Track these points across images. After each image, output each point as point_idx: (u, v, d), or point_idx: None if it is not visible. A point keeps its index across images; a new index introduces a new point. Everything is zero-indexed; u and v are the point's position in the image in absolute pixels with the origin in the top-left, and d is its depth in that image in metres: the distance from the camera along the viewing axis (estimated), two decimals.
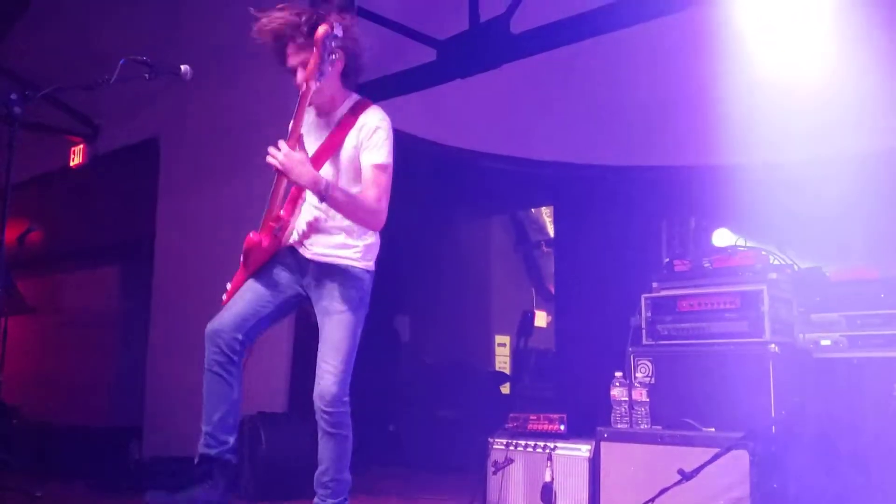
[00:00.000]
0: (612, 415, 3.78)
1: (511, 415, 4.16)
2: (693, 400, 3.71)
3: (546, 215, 7.60)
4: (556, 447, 3.84)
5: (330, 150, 2.94)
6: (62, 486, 5.14)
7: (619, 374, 3.82)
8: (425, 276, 6.06)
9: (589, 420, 3.91)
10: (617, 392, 3.80)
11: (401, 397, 6.05)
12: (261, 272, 2.98)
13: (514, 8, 4.81)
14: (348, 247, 2.95)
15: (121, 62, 3.04)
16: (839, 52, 4.11)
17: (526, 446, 3.91)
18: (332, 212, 2.90)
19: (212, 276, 5.57)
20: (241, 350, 2.96)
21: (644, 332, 4.00)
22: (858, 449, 3.83)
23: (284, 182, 2.85)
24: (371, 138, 2.90)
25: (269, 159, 2.79)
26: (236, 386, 2.96)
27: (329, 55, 2.81)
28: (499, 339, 7.06)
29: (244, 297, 2.98)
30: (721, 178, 5.18)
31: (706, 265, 3.95)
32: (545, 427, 3.94)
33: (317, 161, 2.91)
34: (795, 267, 4.16)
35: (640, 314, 4.03)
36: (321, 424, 2.92)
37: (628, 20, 4.34)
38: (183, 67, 3.20)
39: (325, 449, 2.95)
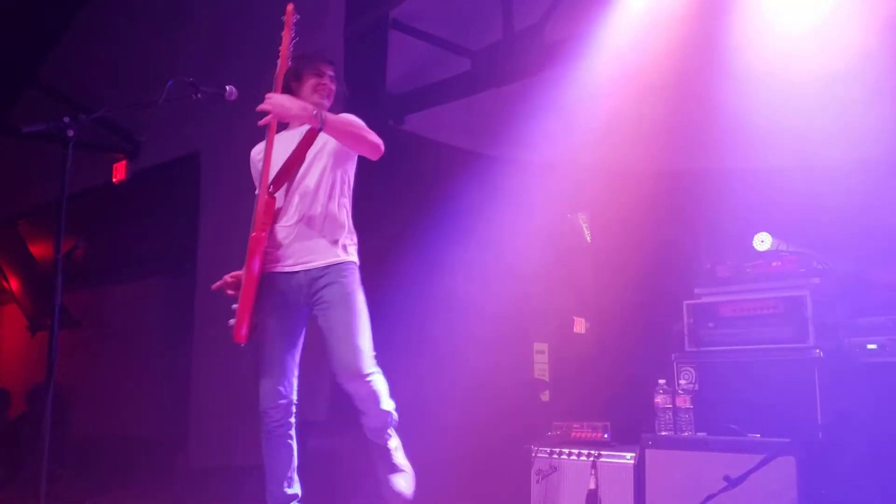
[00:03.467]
0: (657, 422, 3.78)
1: (554, 423, 4.17)
2: (737, 406, 3.70)
3: (582, 220, 7.58)
4: (600, 455, 3.84)
5: (307, 147, 3.15)
6: (110, 498, 5.23)
7: (662, 381, 3.82)
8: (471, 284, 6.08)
9: (632, 428, 3.91)
10: (661, 399, 3.80)
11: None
12: (271, 321, 3.16)
13: (549, 17, 4.83)
14: (329, 249, 3.12)
15: (168, 84, 3.11)
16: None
17: (570, 454, 3.92)
18: (308, 223, 3.11)
19: None
20: (292, 407, 3.24)
21: (686, 338, 4.00)
22: None
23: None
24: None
25: (263, 106, 3.07)
26: (295, 438, 3.25)
27: None
28: (537, 346, 7.05)
29: (274, 360, 3.19)
30: (761, 181, 5.15)
31: (748, 270, 3.94)
32: (589, 435, 3.95)
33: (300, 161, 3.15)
34: (839, 271, 4.12)
35: (682, 320, 4.02)
36: (360, 391, 3.09)
37: None
38: (228, 88, 3.26)
39: (368, 400, 3.10)
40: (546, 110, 5.16)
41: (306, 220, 3.12)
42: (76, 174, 3.04)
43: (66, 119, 2.99)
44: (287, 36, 3.30)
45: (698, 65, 4.33)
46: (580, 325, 6.54)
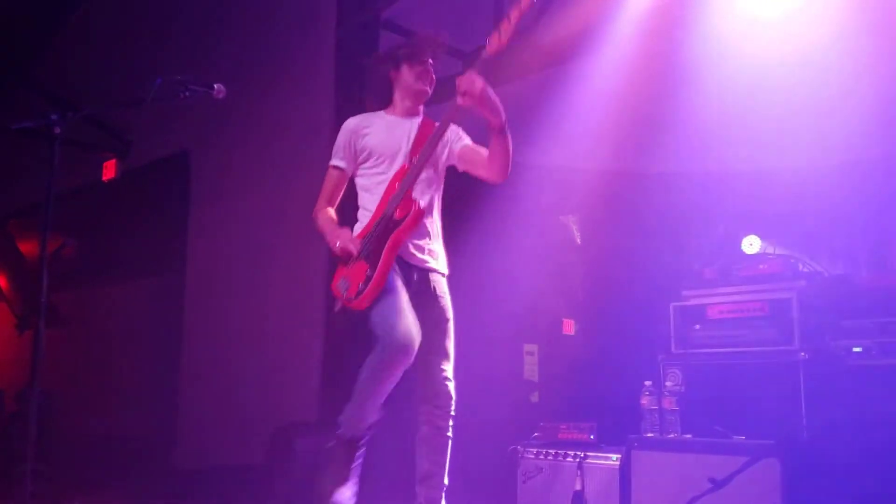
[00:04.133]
0: (643, 423, 3.79)
1: (540, 424, 4.17)
2: (723, 408, 3.71)
3: (572, 223, 7.59)
4: (586, 456, 3.84)
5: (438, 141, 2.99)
6: (97, 497, 5.21)
7: (648, 382, 3.83)
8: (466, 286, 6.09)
9: (619, 429, 3.92)
10: (647, 400, 3.81)
11: None
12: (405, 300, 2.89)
13: (540, 18, 4.84)
14: (437, 254, 3.06)
15: (157, 82, 3.09)
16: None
17: (556, 455, 3.92)
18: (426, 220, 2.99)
19: (242, 287, 5.69)
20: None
21: (673, 340, 4.01)
22: (893, 458, 3.79)
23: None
24: (457, 131, 3.10)
25: (466, 85, 2.72)
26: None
27: None
28: (527, 347, 7.06)
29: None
30: (750, 184, 5.17)
31: (735, 273, 3.95)
32: (575, 436, 3.95)
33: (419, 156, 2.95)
34: (825, 274, 4.14)
35: (669, 322, 4.03)
36: (441, 428, 2.97)
37: None
38: (216, 86, 3.24)
39: (438, 451, 2.99)
40: (537, 113, 5.17)
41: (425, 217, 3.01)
42: (66, 173, 3.02)
43: (54, 116, 2.97)
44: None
45: (685, 69, 4.35)
46: (569, 327, 6.55)
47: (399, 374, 2.79)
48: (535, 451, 4.01)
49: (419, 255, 2.98)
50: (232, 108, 4.87)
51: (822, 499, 3.46)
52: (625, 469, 3.73)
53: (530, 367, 7.25)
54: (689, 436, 3.69)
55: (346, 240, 2.91)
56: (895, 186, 5.01)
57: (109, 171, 7.30)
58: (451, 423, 2.99)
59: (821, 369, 3.69)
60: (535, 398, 6.60)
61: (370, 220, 2.98)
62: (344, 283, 2.91)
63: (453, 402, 2.99)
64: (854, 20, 3.92)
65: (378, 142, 3.06)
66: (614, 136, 5.08)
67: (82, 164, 7.13)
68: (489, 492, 4.50)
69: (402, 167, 2.98)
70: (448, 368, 3.00)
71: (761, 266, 3.90)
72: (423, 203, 2.94)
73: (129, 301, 7.18)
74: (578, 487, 3.82)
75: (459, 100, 2.76)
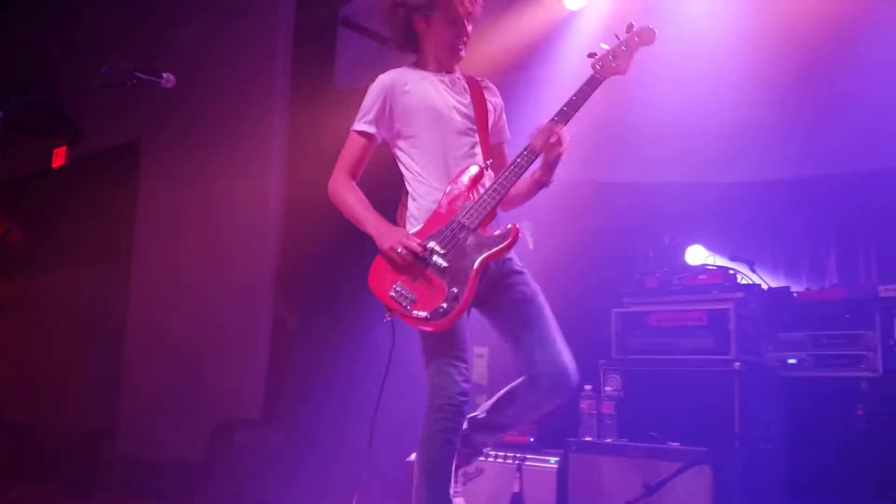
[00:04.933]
0: (581, 427, 3.84)
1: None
2: (660, 414, 3.77)
3: (526, 228, 7.64)
4: (525, 458, 3.88)
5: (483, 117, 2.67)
6: (35, 488, 5.13)
7: (588, 386, 3.87)
8: None
9: (559, 432, 3.96)
10: (586, 405, 3.86)
11: None
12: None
13: (497, 21, 4.86)
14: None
15: (102, 70, 3.05)
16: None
17: (496, 457, 3.94)
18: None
19: (189, 279, 5.62)
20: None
21: (614, 345, 4.06)
22: (823, 468, 3.89)
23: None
24: (502, 112, 2.79)
25: (557, 138, 2.49)
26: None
27: None
28: (478, 350, 7.09)
29: (461, 356, 2.53)
30: (696, 195, 5.26)
31: (676, 282, 4.02)
32: (515, 438, 3.98)
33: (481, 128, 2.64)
34: (764, 286, 4.24)
35: (610, 328, 4.08)
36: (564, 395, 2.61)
37: None
38: (165, 75, 3.19)
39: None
40: None
41: None
42: (16, 158, 2.96)
43: None
44: None
45: (633, 81, 4.40)
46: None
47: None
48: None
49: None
50: (185, 97, 4.82)
51: None
52: (563, 472, 3.77)
53: (479, 370, 7.29)
54: (625, 440, 3.74)
55: (408, 242, 2.46)
56: (835, 203, 5.15)
57: (59, 158, 7.17)
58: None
59: (755, 379, 3.78)
60: (480, 401, 6.64)
61: (433, 219, 2.54)
62: (406, 294, 2.46)
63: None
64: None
65: (423, 101, 2.59)
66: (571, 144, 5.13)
67: (33, 151, 6.99)
68: None
69: (480, 170, 2.58)
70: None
71: (701, 276, 3.98)
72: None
73: (73, 290, 7.05)
74: (517, 489, 3.85)
75: (540, 144, 2.49)
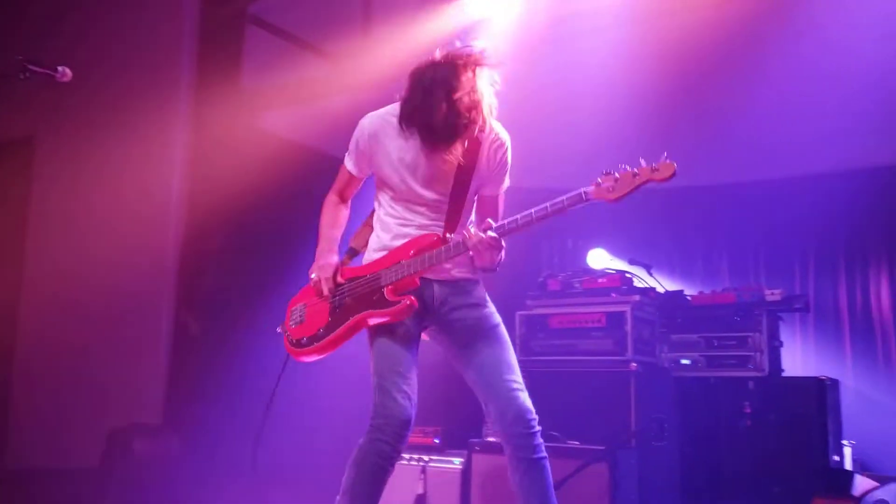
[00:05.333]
0: (484, 428, 3.89)
1: None
2: (563, 414, 3.86)
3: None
4: (430, 460, 3.91)
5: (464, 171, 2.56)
6: None
7: None
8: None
9: (464, 433, 4.01)
10: None
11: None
12: (390, 328, 2.53)
13: (409, 25, 4.89)
14: (463, 262, 2.60)
15: None
16: None
17: (400, 458, 3.94)
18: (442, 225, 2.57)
19: (84, 281, 5.41)
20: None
21: (518, 347, 4.14)
22: (713, 463, 4.08)
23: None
24: (504, 161, 2.61)
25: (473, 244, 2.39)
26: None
27: None
28: None
29: (405, 376, 2.51)
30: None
31: (577, 285, 4.13)
32: (419, 440, 4.00)
33: (452, 181, 2.53)
34: (660, 289, 4.40)
35: (514, 329, 4.16)
36: (525, 455, 2.51)
37: None
38: (61, 69, 3.08)
39: (534, 485, 2.53)
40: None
41: None
42: None
43: None
44: None
45: (537, 86, 4.51)
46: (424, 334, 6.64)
47: None
48: None
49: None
50: (84, 93, 4.67)
51: (648, 501, 3.67)
52: (466, 473, 3.82)
53: None
54: None
55: (324, 278, 2.56)
56: (728, 211, 5.40)
57: None
58: (532, 440, 2.53)
59: (651, 379, 3.92)
60: None
61: (369, 266, 2.58)
62: (299, 314, 2.64)
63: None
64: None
65: (393, 164, 2.54)
66: None
67: None
68: (331, 496, 4.49)
69: (432, 238, 2.50)
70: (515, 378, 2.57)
71: (601, 280, 4.10)
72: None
73: None
74: (421, 491, 3.88)
75: (477, 245, 2.38)
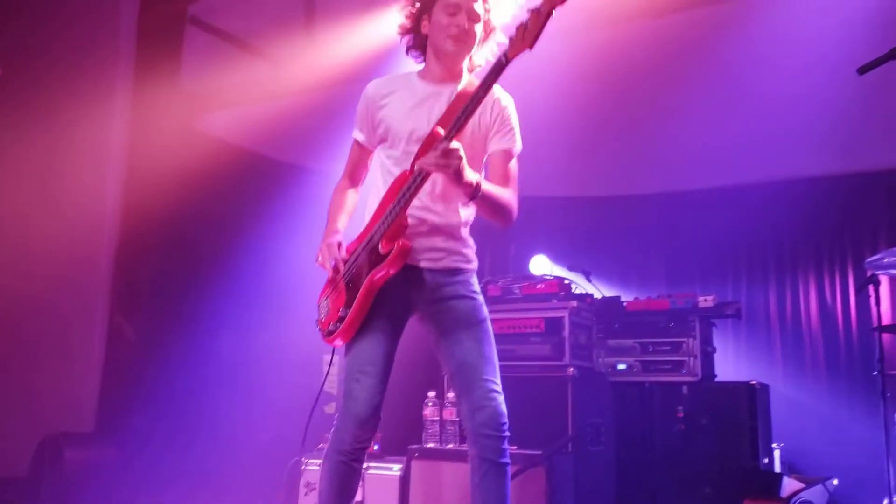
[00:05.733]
0: (424, 434, 3.89)
1: (325, 435, 4.17)
2: None
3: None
4: (368, 467, 3.89)
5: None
6: None
7: (432, 393, 3.94)
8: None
9: (404, 439, 4.00)
10: (429, 412, 3.91)
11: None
12: (373, 315, 2.46)
13: (350, 26, 4.89)
14: (457, 249, 2.55)
15: None
16: None
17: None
18: (434, 210, 2.48)
19: (10, 281, 5.25)
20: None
21: None
22: (647, 467, 4.15)
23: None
24: (504, 119, 2.53)
25: (426, 163, 2.25)
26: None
27: None
28: (326, 357, 7.05)
29: (368, 373, 2.45)
30: (541, 208, 5.48)
31: (516, 291, 4.17)
32: None
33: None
34: (598, 295, 4.47)
35: None
36: (489, 457, 2.50)
37: None
38: None
39: (493, 487, 2.52)
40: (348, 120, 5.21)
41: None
42: None
43: None
44: None
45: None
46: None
47: None
48: (319, 462, 3.99)
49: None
50: (15, 92, 4.55)
51: None
52: (405, 479, 3.81)
53: (330, 379, 7.24)
54: (466, 446, 3.82)
55: (327, 257, 2.49)
56: (665, 219, 5.52)
57: None
58: (498, 444, 2.51)
59: (587, 384, 3.98)
60: (330, 409, 6.60)
61: (363, 231, 2.53)
62: (325, 305, 2.57)
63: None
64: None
65: (393, 116, 2.52)
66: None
67: None
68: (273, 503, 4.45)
69: (405, 175, 2.41)
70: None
71: (540, 286, 4.14)
72: (432, 219, 2.45)
73: None
74: (359, 499, 3.85)
75: (431, 162, 2.22)
